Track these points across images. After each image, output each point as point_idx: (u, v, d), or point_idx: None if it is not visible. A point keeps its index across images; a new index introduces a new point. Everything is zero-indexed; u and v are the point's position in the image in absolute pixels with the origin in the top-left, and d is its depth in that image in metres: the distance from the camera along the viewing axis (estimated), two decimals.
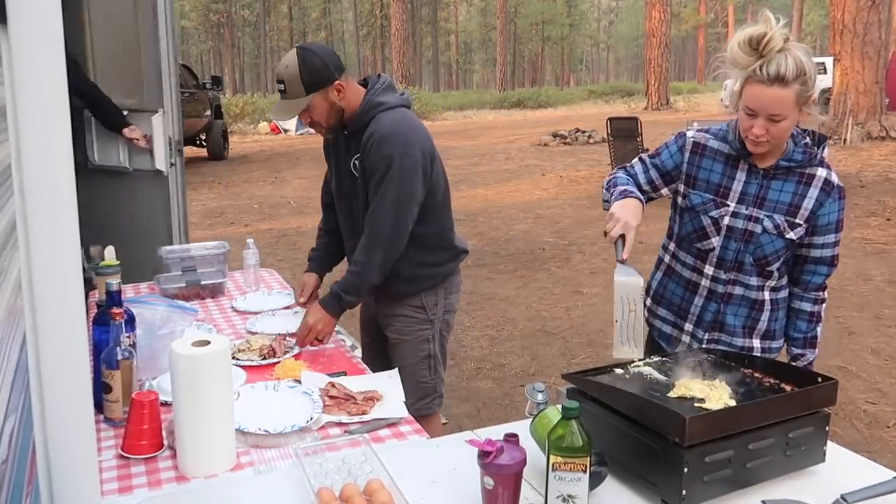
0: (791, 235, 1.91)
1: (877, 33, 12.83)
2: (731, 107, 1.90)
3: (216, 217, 9.29)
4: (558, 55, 62.80)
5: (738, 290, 1.99)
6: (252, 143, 19.05)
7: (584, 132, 16.57)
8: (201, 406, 1.54)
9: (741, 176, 1.93)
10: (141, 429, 1.63)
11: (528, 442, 1.45)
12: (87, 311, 2.12)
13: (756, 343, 2.04)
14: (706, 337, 2.05)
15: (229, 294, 2.94)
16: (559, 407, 1.32)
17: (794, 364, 2.01)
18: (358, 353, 2.36)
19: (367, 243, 2.28)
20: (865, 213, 8.14)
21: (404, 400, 1.93)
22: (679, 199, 2.05)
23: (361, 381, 2.01)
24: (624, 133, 9.49)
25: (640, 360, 1.63)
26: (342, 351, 2.32)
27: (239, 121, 21.70)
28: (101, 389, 1.77)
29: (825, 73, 16.10)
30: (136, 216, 4.28)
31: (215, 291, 2.90)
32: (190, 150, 15.29)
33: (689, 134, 2.02)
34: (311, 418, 1.74)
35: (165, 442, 1.66)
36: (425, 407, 2.43)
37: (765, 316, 2.02)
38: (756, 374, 1.57)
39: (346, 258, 2.55)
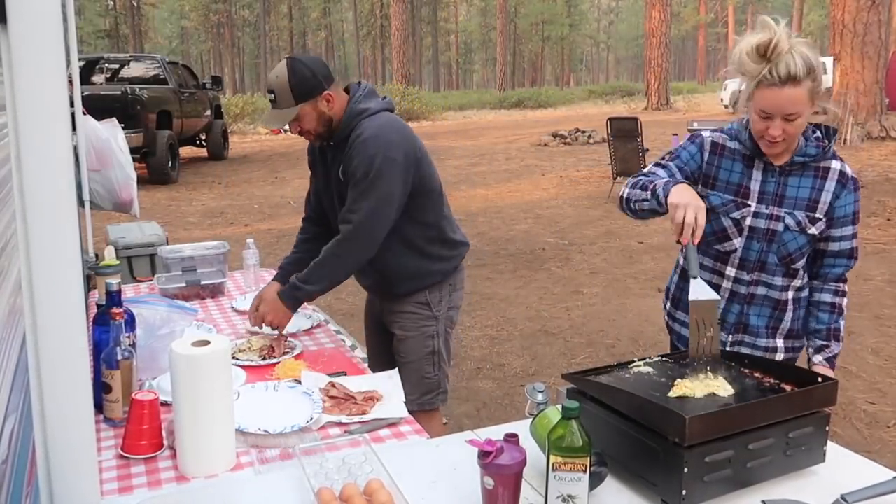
0: (813, 230, 1.90)
1: (877, 33, 12.83)
2: (739, 108, 1.88)
3: (216, 217, 9.29)
4: (558, 55, 62.81)
5: (760, 291, 1.97)
6: (252, 143, 19.05)
7: (584, 132, 16.57)
8: (201, 406, 1.54)
9: (757, 175, 1.92)
10: (141, 429, 1.63)
11: (528, 442, 1.45)
12: (87, 311, 2.12)
13: (780, 343, 2.02)
14: (730, 339, 2.03)
15: (229, 294, 2.94)
16: (559, 407, 1.32)
17: (817, 357, 1.98)
18: (358, 353, 2.36)
19: (342, 240, 2.27)
20: (865, 214, 8.13)
21: (405, 399, 1.93)
22: None
23: (361, 381, 2.01)
24: (624, 133, 9.48)
25: (640, 359, 1.63)
26: (342, 351, 2.33)
27: (239, 121, 21.71)
28: (101, 389, 1.77)
29: (826, 73, 16.08)
30: None
31: (215, 291, 2.90)
32: (190, 150, 15.35)
33: (706, 134, 2.00)
34: (311, 418, 1.74)
35: (165, 442, 1.66)
36: (428, 402, 2.46)
37: (788, 315, 2.00)
38: (756, 374, 1.57)
39: None
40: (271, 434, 1.68)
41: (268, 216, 9.28)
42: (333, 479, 1.39)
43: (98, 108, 7.44)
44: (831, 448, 1.49)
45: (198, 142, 14.96)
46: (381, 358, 2.54)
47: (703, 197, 1.95)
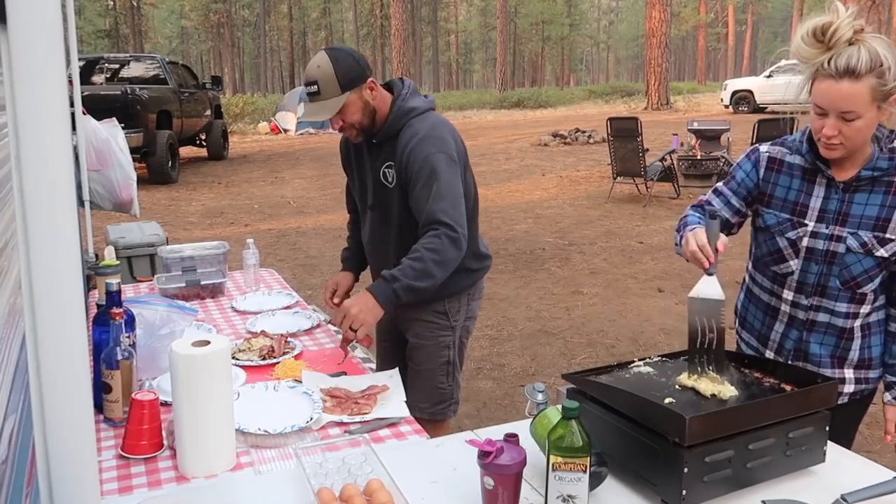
0: (882, 252, 1.71)
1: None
2: (794, 96, 1.71)
3: (216, 217, 9.29)
4: (558, 55, 62.80)
5: (822, 317, 1.82)
6: (252, 143, 19.05)
7: (584, 132, 16.57)
8: (201, 406, 1.54)
9: (819, 192, 1.76)
10: (141, 429, 1.63)
11: (528, 442, 1.45)
12: (87, 311, 2.12)
13: (849, 374, 1.85)
14: None
15: (229, 294, 2.94)
16: (559, 407, 1.32)
17: (887, 395, 1.83)
18: (358, 353, 2.35)
19: (436, 240, 2.12)
20: None
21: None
22: (756, 219, 1.90)
23: (361, 381, 2.01)
24: (624, 133, 9.47)
25: (640, 359, 1.63)
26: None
27: (239, 121, 21.72)
28: (101, 389, 1.77)
29: None
30: None
31: (215, 291, 2.90)
32: (190, 150, 15.36)
33: (763, 149, 1.86)
34: (311, 418, 1.74)
35: (165, 442, 1.66)
36: (440, 412, 2.40)
37: (855, 345, 1.83)
38: (756, 374, 1.57)
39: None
40: (271, 434, 1.68)
41: (268, 216, 9.28)
42: (333, 479, 1.39)
43: (98, 108, 7.46)
44: (831, 448, 1.49)
45: (198, 142, 14.97)
46: (394, 364, 2.40)
47: (758, 215, 1.87)
